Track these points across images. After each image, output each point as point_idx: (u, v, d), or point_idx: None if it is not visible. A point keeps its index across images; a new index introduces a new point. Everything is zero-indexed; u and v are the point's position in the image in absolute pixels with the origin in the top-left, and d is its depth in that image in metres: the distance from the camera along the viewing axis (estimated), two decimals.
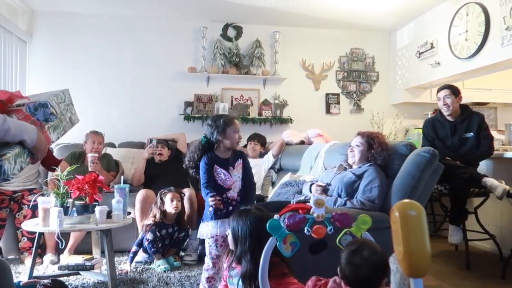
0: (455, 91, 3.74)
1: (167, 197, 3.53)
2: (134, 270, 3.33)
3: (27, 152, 1.61)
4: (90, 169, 3.71)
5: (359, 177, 2.84)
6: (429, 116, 5.50)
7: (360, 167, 2.92)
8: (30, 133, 1.58)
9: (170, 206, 3.50)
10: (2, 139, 1.50)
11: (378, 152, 2.90)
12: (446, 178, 3.46)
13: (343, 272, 1.59)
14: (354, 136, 3.13)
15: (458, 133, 3.72)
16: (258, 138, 4.72)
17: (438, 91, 3.82)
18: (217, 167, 2.51)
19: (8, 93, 1.78)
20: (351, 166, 3.06)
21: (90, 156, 3.80)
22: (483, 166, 3.79)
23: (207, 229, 2.47)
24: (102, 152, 4.21)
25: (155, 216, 3.51)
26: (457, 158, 3.60)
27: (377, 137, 3.00)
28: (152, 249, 3.41)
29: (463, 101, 5.60)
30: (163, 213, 3.53)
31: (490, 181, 3.37)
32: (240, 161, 2.61)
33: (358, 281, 1.54)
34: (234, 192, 2.53)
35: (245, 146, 4.81)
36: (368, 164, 2.89)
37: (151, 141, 4.30)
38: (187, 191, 3.84)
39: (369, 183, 2.77)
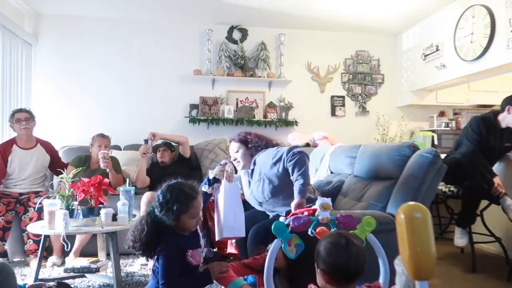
0: None
1: None
2: (140, 272, 3.34)
3: None
4: (102, 166, 3.74)
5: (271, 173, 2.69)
6: (435, 117, 5.50)
7: (253, 169, 2.82)
8: None
9: None
10: None
11: (256, 141, 2.85)
12: (464, 177, 3.40)
13: (329, 267, 1.52)
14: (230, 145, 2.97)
15: (504, 141, 3.59)
16: None
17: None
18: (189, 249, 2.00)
19: None
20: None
21: (101, 152, 3.78)
22: (494, 169, 3.71)
23: None
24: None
25: None
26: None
27: (245, 132, 2.95)
28: None
29: (470, 103, 5.60)
30: None
31: (509, 201, 3.25)
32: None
33: (350, 273, 1.50)
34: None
35: None
36: (254, 159, 2.82)
37: (146, 141, 4.23)
38: None
39: (275, 155, 2.66)
